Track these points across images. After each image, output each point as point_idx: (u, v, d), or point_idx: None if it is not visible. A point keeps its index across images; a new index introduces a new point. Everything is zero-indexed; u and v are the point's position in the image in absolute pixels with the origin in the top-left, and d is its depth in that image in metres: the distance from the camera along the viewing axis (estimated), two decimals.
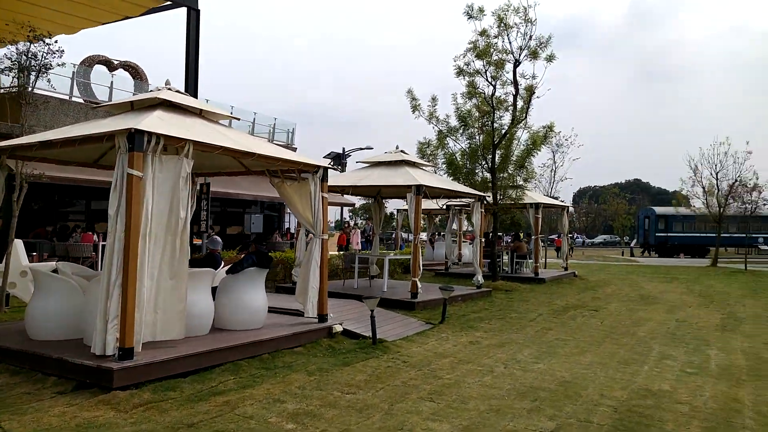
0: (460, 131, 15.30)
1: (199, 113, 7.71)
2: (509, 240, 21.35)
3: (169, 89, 7.69)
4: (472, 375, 6.37)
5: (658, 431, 4.71)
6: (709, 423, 4.93)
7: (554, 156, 21.78)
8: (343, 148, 28.65)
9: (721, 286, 17.37)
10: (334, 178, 13.20)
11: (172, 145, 6.13)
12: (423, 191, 11.08)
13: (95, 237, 15.47)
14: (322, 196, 8.07)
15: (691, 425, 4.86)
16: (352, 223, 21.53)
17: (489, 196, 15.32)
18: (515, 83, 14.87)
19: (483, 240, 13.99)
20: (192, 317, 6.69)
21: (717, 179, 26.90)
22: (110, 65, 20.38)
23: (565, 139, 21.83)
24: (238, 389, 5.55)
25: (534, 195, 18.09)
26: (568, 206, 19.49)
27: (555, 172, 21.68)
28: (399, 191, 11.91)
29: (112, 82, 19.52)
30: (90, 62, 19.51)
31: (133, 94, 20.77)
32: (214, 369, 6.10)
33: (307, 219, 8.01)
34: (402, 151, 12.96)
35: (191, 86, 12.80)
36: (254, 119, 23.59)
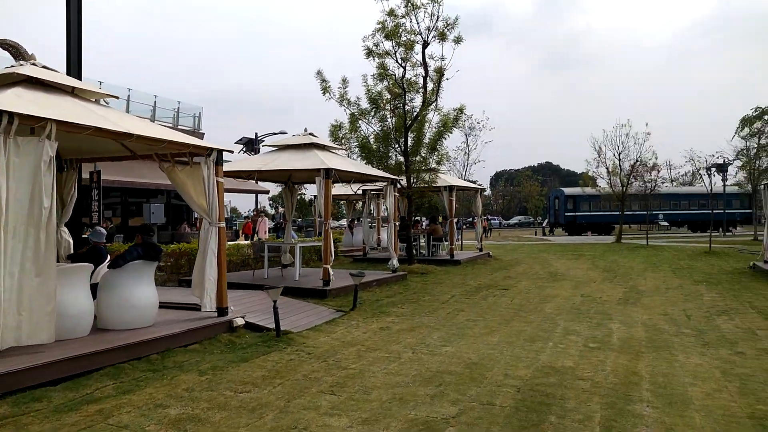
0: (372, 114, 15.01)
1: (71, 92, 6.91)
2: (428, 223, 21.41)
3: (34, 65, 6.86)
4: (378, 363, 6.11)
5: (559, 409, 4.63)
6: (609, 398, 4.92)
7: (467, 139, 22.04)
8: (256, 134, 27.62)
9: (624, 261, 18.26)
10: (239, 163, 12.54)
11: (30, 125, 5.38)
12: (333, 175, 10.69)
13: None
14: (217, 181, 7.51)
15: (591, 401, 4.83)
16: (259, 210, 20.62)
17: (403, 180, 15.19)
18: (424, 65, 14.74)
19: (398, 224, 13.82)
20: (67, 318, 6.01)
21: (620, 160, 28.37)
22: (16, 51, 18.34)
23: (477, 123, 22.12)
24: (117, 395, 4.98)
25: (448, 178, 18.18)
26: (481, 188, 19.75)
27: (468, 155, 21.93)
28: (309, 175, 11.44)
29: None
30: None
31: None
32: (92, 374, 5.47)
33: (201, 206, 7.43)
34: (311, 134, 12.48)
35: (74, 65, 11.65)
36: (155, 102, 22.21)
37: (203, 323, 7.13)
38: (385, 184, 13.08)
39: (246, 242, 15.01)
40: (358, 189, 16.08)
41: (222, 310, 7.54)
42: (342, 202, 31.33)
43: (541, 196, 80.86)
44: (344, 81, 15.32)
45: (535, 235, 44.32)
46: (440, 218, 20.69)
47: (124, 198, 20.17)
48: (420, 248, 18.85)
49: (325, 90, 15.30)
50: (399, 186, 15.47)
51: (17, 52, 19.54)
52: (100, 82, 19.13)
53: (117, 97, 8.08)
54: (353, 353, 6.54)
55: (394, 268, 13.23)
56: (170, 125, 23.70)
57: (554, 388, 5.20)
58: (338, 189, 19.57)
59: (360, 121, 15.36)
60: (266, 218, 18.33)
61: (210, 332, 7.11)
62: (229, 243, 15.05)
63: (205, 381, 5.44)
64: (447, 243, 18.00)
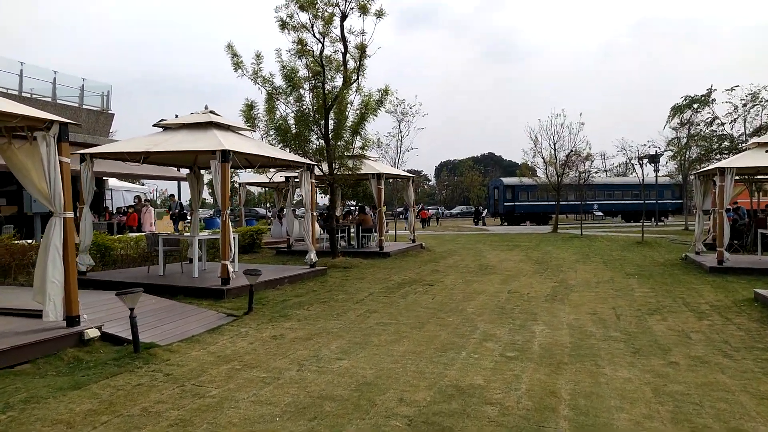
0: (288, 92, 13.68)
1: None
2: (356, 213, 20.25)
3: None
4: (248, 387, 4.93)
5: None
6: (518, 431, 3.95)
7: (399, 125, 20.99)
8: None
9: (557, 252, 17.76)
10: (124, 143, 11.00)
11: None
12: (231, 158, 9.35)
13: None
14: (61, 161, 6.10)
15: None
16: (143, 199, 18.86)
17: (324, 166, 14.01)
18: (343, 39, 13.56)
19: (317, 214, 12.63)
20: None
21: (555, 149, 28.12)
22: None
23: (410, 108, 21.10)
24: None
25: (376, 165, 17.09)
26: (413, 177, 18.79)
27: (401, 141, 20.91)
28: (207, 158, 10.03)
29: None
30: None
31: None
32: None
33: (42, 192, 6.01)
34: (212, 111, 11.07)
35: None
36: (54, 79, 19.99)
37: (42, 336, 5.75)
38: (300, 170, 11.83)
39: (138, 234, 13.41)
40: (273, 175, 14.77)
41: (72, 319, 6.17)
42: (270, 189, 29.82)
43: (483, 186, 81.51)
44: (258, 56, 13.93)
45: (476, 225, 44.10)
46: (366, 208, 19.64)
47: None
48: (350, 240, 17.76)
49: (237, 66, 13.86)
50: (321, 173, 14.29)
51: None
52: None
53: None
54: (224, 373, 5.34)
55: (312, 262, 12.05)
56: (75, 104, 21.54)
57: (454, 418, 4.18)
58: (263, 177, 18.17)
59: (277, 101, 14.00)
60: (152, 208, 16.70)
61: (50, 347, 5.74)
62: (125, 235, 13.45)
63: (4, 420, 4.12)
64: (377, 234, 16.95)
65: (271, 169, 13.95)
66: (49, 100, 20.20)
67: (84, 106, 21.98)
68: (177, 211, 19.20)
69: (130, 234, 13.94)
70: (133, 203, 18.66)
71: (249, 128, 12.37)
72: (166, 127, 11.23)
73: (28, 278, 10.33)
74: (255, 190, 58.29)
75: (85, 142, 17.87)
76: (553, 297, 9.65)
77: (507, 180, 45.79)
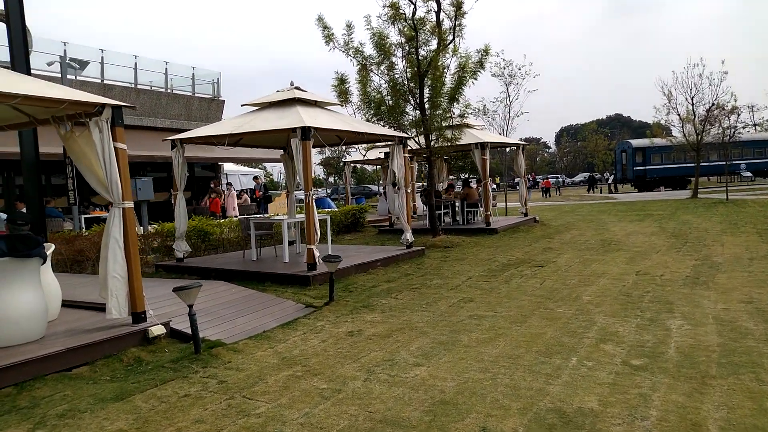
0: (380, 61, 12.74)
1: None
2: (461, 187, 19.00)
3: None
4: (303, 402, 4.17)
5: None
6: None
7: (507, 89, 19.24)
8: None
9: (698, 222, 15.34)
10: (209, 128, 10.73)
11: None
12: (312, 135, 8.67)
13: None
14: (116, 147, 5.69)
15: None
16: (224, 184, 18.71)
17: (422, 138, 13.00)
18: None
19: (409, 190, 11.71)
20: None
21: (693, 104, 24.64)
22: None
23: (518, 69, 19.25)
24: None
25: (481, 134, 15.71)
26: (522, 144, 17.13)
27: (510, 107, 19.20)
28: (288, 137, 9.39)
29: None
30: None
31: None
32: None
33: (99, 181, 5.66)
34: (297, 87, 10.47)
35: (15, 20, 10.14)
36: (166, 69, 20.77)
37: (103, 335, 5.43)
38: (392, 143, 10.93)
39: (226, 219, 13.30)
40: (367, 151, 14.02)
41: (137, 316, 5.82)
42: (377, 166, 29.35)
43: (609, 150, 75.66)
44: (349, 26, 13.09)
45: (600, 192, 40.73)
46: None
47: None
48: (455, 216, 16.65)
49: (329, 39, 13.13)
50: (417, 145, 13.30)
51: None
52: (65, 43, 17.85)
53: None
54: (281, 381, 4.63)
55: (408, 243, 11.18)
56: (188, 93, 22.33)
57: None
58: (371, 153, 17.56)
59: (370, 73, 13.13)
60: (234, 192, 16.53)
61: (111, 347, 5.40)
62: (230, 219, 13.46)
63: None
64: (483, 209, 15.67)
65: (363, 145, 13.23)
66: (162, 90, 21.10)
67: (196, 95, 22.78)
68: (262, 192, 19.11)
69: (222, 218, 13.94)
70: (251, 186, 18.84)
71: (338, 103, 11.65)
72: (254, 107, 10.84)
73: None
74: (369, 167, 58.59)
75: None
76: (695, 280, 7.94)
77: (636, 142, 41.60)
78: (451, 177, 37.69)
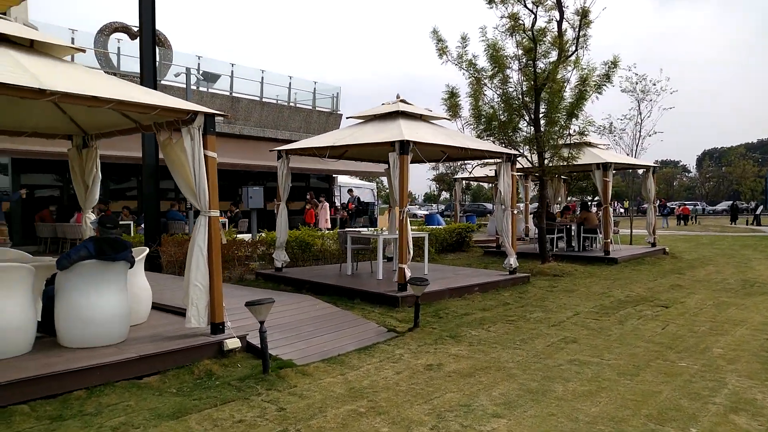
0: (493, 74, 12.10)
1: (30, 45, 5.57)
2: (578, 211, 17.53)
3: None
4: None
5: None
6: None
7: (639, 105, 17.56)
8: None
9: None
10: (313, 140, 10.70)
11: None
12: (410, 149, 8.28)
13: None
14: (206, 155, 5.67)
15: None
16: (313, 195, 18.32)
17: (526, 154, 12.16)
18: (559, 4, 11.39)
19: (515, 211, 10.88)
20: None
21: None
22: (130, 33, 19.17)
23: (653, 84, 17.51)
24: None
25: (604, 153, 14.42)
26: (652, 166, 15.48)
27: (641, 125, 17.49)
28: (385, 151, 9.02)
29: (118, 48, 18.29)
30: (107, 30, 18.39)
31: (158, 63, 19.55)
32: None
33: (189, 188, 5.66)
34: (402, 100, 10.16)
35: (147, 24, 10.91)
36: (290, 83, 21.59)
37: (180, 344, 5.38)
38: (499, 161, 10.24)
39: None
40: (473, 168, 13.33)
41: (216, 327, 5.73)
42: (491, 184, 28.30)
43: (759, 177, 67.91)
44: (464, 39, 12.60)
45: (746, 224, 36.29)
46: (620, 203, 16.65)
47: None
48: (571, 242, 15.41)
49: (442, 51, 12.73)
50: (530, 163, 12.44)
51: (158, 40, 19.87)
52: (198, 57, 18.99)
53: (83, 50, 6.68)
54: (341, 417, 4.22)
55: (511, 268, 10.37)
56: (309, 107, 23.07)
57: None
58: (479, 171, 16.91)
59: (483, 86, 12.51)
60: (326, 204, 16.30)
61: (186, 357, 5.33)
62: (335, 231, 13.46)
63: None
64: (602, 236, 14.32)
65: (472, 162, 12.62)
66: (285, 103, 21.98)
67: (317, 108, 23.48)
68: (354, 206, 18.92)
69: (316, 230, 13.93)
70: (348, 198, 18.96)
71: (445, 117, 11.18)
72: (358, 120, 10.72)
73: (230, 272, 10.80)
74: (486, 185, 57.28)
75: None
76: None
77: None
78: (573, 199, 35.61)
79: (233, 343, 5.62)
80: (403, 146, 8.20)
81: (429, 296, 8.46)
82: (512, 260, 10.37)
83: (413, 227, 17.39)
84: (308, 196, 18.09)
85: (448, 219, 27.81)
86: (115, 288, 5.39)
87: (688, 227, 33.51)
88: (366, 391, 4.79)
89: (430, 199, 57.93)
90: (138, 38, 20.12)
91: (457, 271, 10.99)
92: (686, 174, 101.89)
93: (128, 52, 18.50)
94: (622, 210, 45.27)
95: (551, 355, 5.88)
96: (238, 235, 12.62)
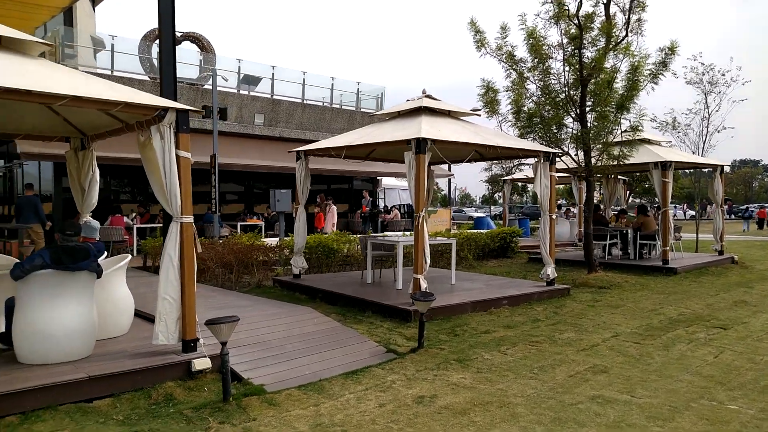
0: (534, 66, 11.09)
1: None
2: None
3: None
4: None
5: None
6: None
7: (706, 98, 15.86)
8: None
9: None
10: (333, 139, 10.08)
11: None
12: (428, 148, 7.50)
13: (127, 219, 14.30)
14: (178, 156, 5.15)
15: None
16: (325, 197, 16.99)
17: (571, 153, 11.07)
18: None
19: (554, 216, 9.87)
20: None
21: None
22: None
23: (721, 75, 15.78)
24: None
25: (664, 151, 13.03)
26: (720, 165, 13.90)
27: (708, 119, 15.80)
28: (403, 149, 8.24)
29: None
30: (152, 37, 18.57)
31: (201, 68, 19.61)
32: None
33: (161, 191, 5.16)
34: (428, 96, 9.39)
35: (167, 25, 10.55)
36: (332, 84, 21.16)
37: (143, 364, 4.87)
38: (536, 159, 9.25)
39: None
40: (512, 168, 12.27)
41: (187, 345, 5.19)
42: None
43: None
44: (503, 29, 11.64)
45: None
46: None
47: (248, 183, 19.75)
48: (628, 248, 14.06)
49: (481, 44, 11.83)
50: (577, 164, 11.33)
51: (201, 44, 19.91)
52: (239, 60, 18.82)
53: (51, 45, 6.31)
54: None
55: (549, 279, 9.36)
56: (352, 108, 22.56)
57: None
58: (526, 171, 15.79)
59: (524, 80, 11.51)
60: (334, 206, 15.33)
61: (148, 379, 4.80)
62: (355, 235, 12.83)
63: None
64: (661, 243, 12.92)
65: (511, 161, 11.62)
66: (327, 104, 21.59)
67: (361, 109, 22.95)
68: (369, 208, 17.96)
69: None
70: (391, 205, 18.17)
71: (475, 113, 10.27)
72: (384, 118, 10.04)
73: (250, 278, 10.36)
74: (560, 186, 54.90)
75: None
76: None
77: None
78: (640, 200, 33.32)
79: (202, 364, 5.05)
80: (419, 144, 7.43)
81: (449, 310, 7.67)
82: (550, 270, 9.35)
83: (462, 230, 16.48)
84: (318, 199, 16.96)
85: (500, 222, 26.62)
86: (77, 300, 4.93)
87: (764, 232, 30.65)
88: (333, 429, 4.09)
89: (487, 201, 56.32)
90: (181, 44, 20.37)
91: (489, 281, 10.07)
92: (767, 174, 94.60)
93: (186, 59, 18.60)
94: (692, 212, 42.15)
95: (571, 389, 4.95)
96: (264, 240, 12.20)
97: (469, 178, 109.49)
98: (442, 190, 53.50)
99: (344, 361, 5.53)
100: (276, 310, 6.89)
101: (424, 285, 7.54)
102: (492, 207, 50.58)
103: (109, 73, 16.98)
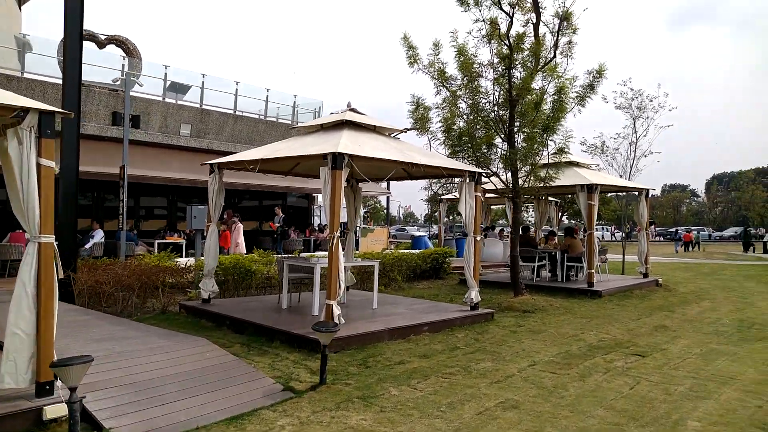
0: (465, 84, 10.92)
1: None
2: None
3: None
4: None
5: None
6: None
7: (634, 123, 16.26)
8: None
9: None
10: (251, 152, 9.51)
11: None
12: (345, 164, 7.05)
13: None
14: (39, 164, 4.47)
15: None
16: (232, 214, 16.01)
17: (495, 174, 10.93)
18: (535, 5, 10.23)
19: (478, 238, 9.63)
20: None
21: None
22: (98, 41, 18.23)
23: (649, 101, 16.25)
24: None
25: (590, 174, 13.14)
26: (645, 189, 14.18)
27: (635, 144, 16.19)
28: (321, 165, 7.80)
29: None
30: None
31: (123, 73, 18.55)
32: None
33: (17, 204, 4.46)
34: (352, 109, 8.99)
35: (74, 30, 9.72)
36: (267, 96, 20.54)
37: None
38: (460, 179, 8.99)
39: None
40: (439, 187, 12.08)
41: (42, 388, 4.45)
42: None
43: (767, 203, 66.32)
44: (436, 45, 11.41)
45: (753, 252, 34.70)
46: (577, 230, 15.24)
47: (171, 197, 18.98)
48: (557, 270, 14.05)
49: (413, 60, 11.56)
50: (504, 184, 11.18)
51: (127, 48, 18.81)
52: (166, 66, 18.06)
53: None
54: None
55: (472, 303, 9.07)
56: (288, 121, 21.99)
57: None
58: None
59: (454, 98, 11.30)
60: (240, 225, 14.82)
61: None
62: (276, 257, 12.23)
63: None
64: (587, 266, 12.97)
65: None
66: (262, 117, 20.91)
67: (298, 123, 22.39)
68: (279, 226, 17.35)
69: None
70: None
71: (400, 129, 9.94)
72: (304, 131, 9.55)
73: (156, 302, 9.55)
74: (495, 207, 55.80)
75: None
76: None
77: None
78: (573, 222, 34.07)
79: (55, 411, 4.32)
80: (336, 159, 6.97)
81: (364, 338, 7.19)
82: (474, 294, 9.05)
83: (400, 249, 16.09)
84: (225, 216, 14.51)
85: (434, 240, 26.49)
86: None
87: (690, 254, 32.03)
88: None
89: (428, 220, 56.57)
90: (105, 47, 19.27)
91: (413, 304, 9.68)
92: (695, 199, 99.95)
93: (92, 60, 17.48)
94: (619, 234, 43.72)
95: (476, 429, 4.55)
96: (177, 260, 11.39)
97: (414, 197, 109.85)
98: (384, 209, 53.33)
99: (230, 404, 4.92)
100: (164, 343, 6.18)
101: (337, 312, 7.05)
102: (434, 226, 50.77)
103: (19, 74, 15.81)
